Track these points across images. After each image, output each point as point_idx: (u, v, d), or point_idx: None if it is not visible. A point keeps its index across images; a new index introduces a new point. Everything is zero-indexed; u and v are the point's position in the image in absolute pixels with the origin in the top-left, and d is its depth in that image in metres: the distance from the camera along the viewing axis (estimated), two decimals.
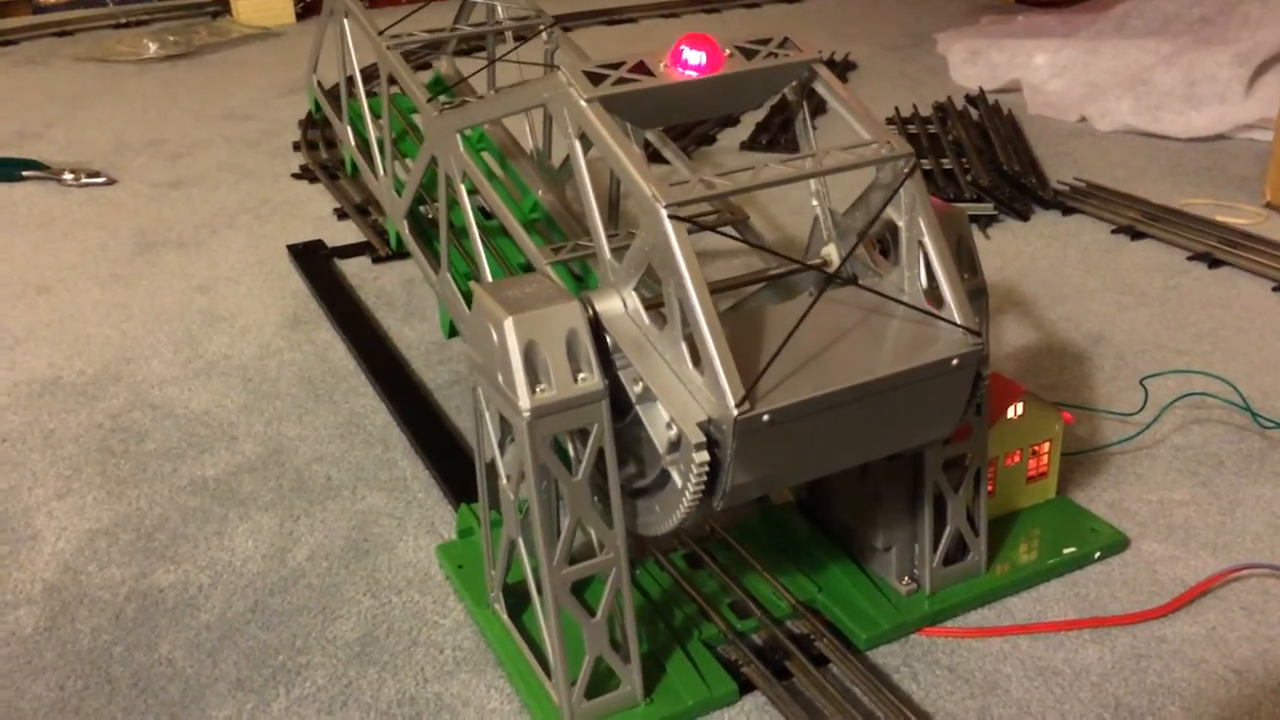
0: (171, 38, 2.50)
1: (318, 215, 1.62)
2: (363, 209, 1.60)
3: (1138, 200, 1.54)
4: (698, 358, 0.65)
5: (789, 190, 1.68)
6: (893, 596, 0.83)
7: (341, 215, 1.60)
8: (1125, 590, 0.85)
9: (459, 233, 1.04)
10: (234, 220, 1.61)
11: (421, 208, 1.20)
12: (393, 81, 1.11)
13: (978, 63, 2.15)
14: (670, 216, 0.63)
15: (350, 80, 1.25)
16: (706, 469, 0.65)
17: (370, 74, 1.27)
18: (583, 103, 0.65)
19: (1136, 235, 1.45)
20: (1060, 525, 0.91)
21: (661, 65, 0.67)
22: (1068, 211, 1.54)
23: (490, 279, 0.94)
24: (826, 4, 2.85)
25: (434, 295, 1.36)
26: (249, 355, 1.24)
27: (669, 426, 0.66)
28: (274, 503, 0.99)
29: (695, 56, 0.66)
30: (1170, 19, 2.16)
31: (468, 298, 1.05)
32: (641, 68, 0.66)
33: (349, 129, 1.29)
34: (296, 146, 1.89)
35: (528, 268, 1.07)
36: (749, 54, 0.69)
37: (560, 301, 0.68)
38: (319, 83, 1.42)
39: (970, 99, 2.02)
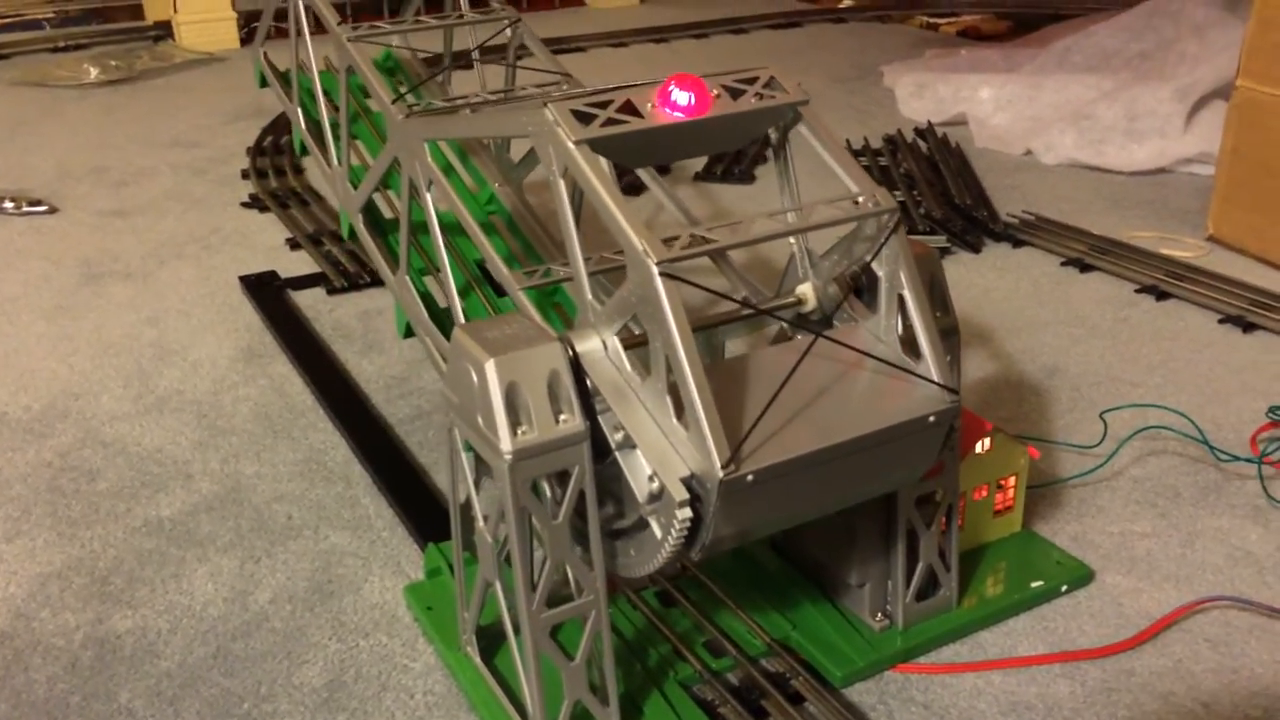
0: (113, 62, 2.46)
1: (269, 245, 1.59)
2: (316, 239, 1.58)
3: (1085, 233, 1.57)
4: (680, 409, 0.65)
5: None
6: (866, 633, 0.83)
7: (294, 245, 1.58)
8: (1092, 623, 0.86)
9: (417, 228, 1.03)
10: (182, 250, 1.58)
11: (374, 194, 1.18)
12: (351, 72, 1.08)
13: (924, 96, 2.19)
14: (662, 274, 0.63)
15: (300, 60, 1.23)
16: (689, 525, 0.65)
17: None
18: (570, 145, 0.65)
19: (1085, 268, 1.48)
20: (1027, 559, 0.92)
21: (649, 105, 0.67)
22: (1018, 244, 1.57)
23: (453, 283, 0.93)
24: (773, 35, 2.88)
25: (391, 328, 1.35)
26: (203, 390, 1.22)
27: (651, 479, 0.66)
28: (233, 543, 0.97)
29: (684, 97, 0.66)
30: (1110, 54, 2.21)
31: (425, 298, 1.03)
32: (629, 106, 0.66)
33: (299, 110, 1.25)
34: (245, 175, 1.86)
35: (482, 266, 1.06)
36: (735, 93, 0.70)
37: (541, 343, 0.67)
38: (266, 55, 1.38)
39: (919, 131, 2.05)
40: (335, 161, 1.16)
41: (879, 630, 0.83)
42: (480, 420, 0.67)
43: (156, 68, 2.52)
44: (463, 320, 0.92)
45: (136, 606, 0.89)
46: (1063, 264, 1.50)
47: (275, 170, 1.86)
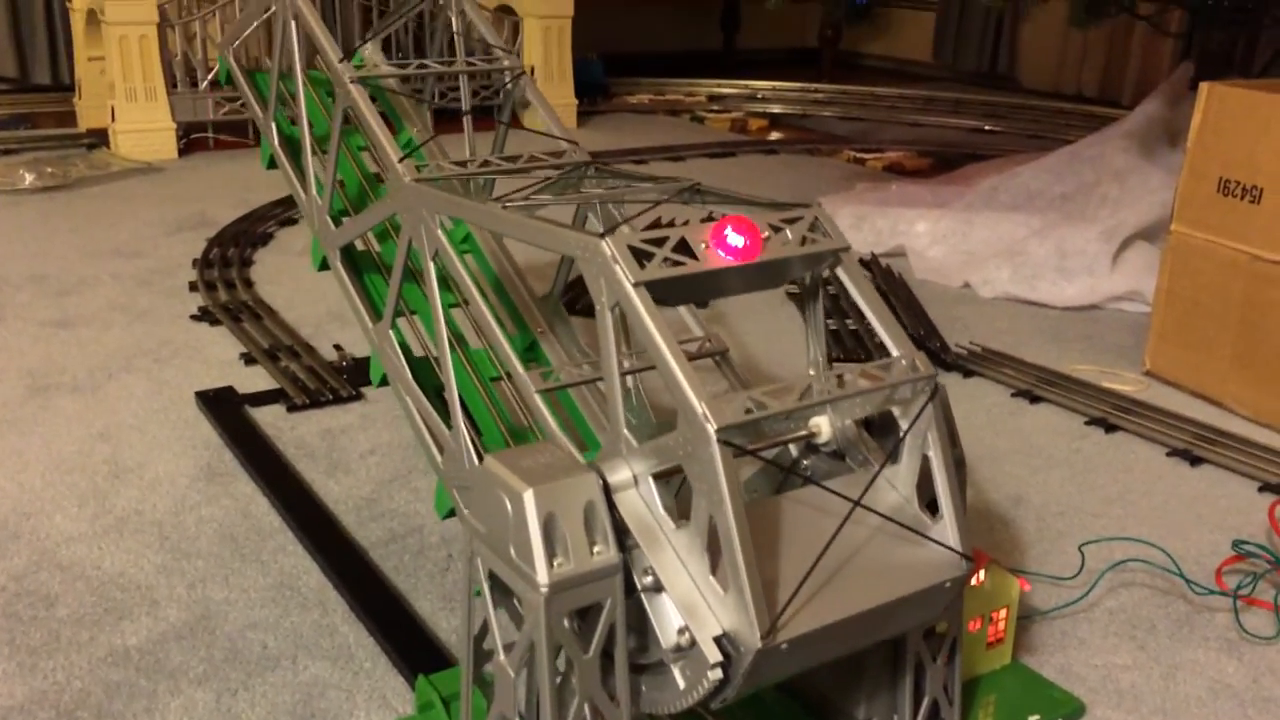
0: (49, 169, 2.42)
1: (223, 359, 1.56)
2: (272, 354, 1.56)
3: (1031, 365, 1.63)
4: (715, 564, 0.66)
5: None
6: None
7: (249, 360, 1.55)
8: None
9: (409, 275, 1.00)
10: (131, 363, 1.54)
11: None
12: (347, 119, 1.04)
13: (863, 228, 2.27)
14: (721, 441, 0.63)
15: (279, 70, 1.17)
16: (718, 684, 0.65)
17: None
18: (629, 286, 0.65)
19: (1035, 399, 1.53)
20: (1020, 692, 0.92)
21: (702, 245, 0.68)
22: (968, 374, 1.62)
23: (449, 362, 0.90)
24: (710, 164, 2.96)
25: (359, 448, 1.32)
26: (163, 510, 1.18)
27: (681, 632, 0.66)
28: (207, 675, 0.92)
29: (738, 240, 0.67)
30: (1034, 194, 2.33)
31: (407, 352, 1.01)
32: (682, 244, 0.68)
33: (273, 126, 1.20)
34: (193, 287, 1.83)
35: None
36: (778, 229, 0.71)
37: (578, 473, 0.67)
38: (234, 56, 1.31)
39: (864, 262, 2.12)
40: (314, 191, 1.10)
41: None
42: (513, 551, 0.66)
43: (93, 176, 2.49)
44: (460, 423, 0.89)
45: None
46: (1013, 395, 1.55)
47: (225, 283, 1.84)
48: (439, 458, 0.96)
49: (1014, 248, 2.05)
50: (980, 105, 3.87)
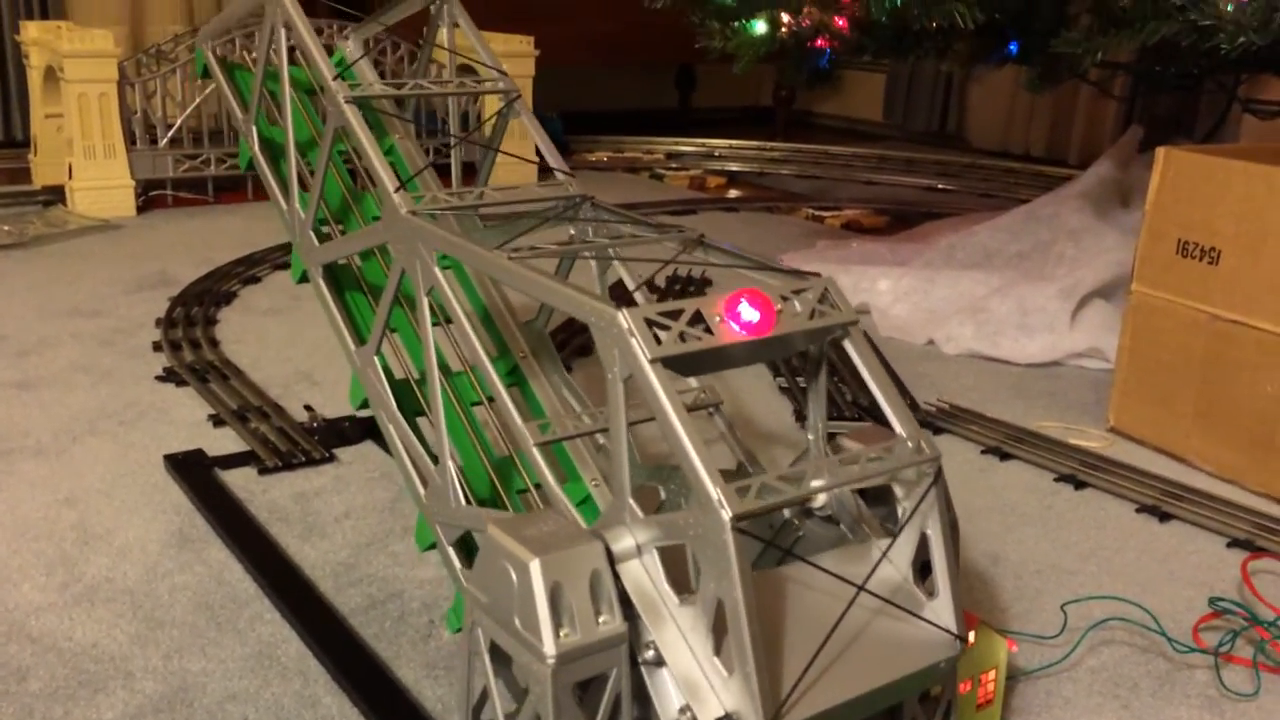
0: (4, 227, 2.38)
1: (190, 421, 1.54)
2: (241, 415, 1.54)
3: (999, 422, 1.65)
4: (719, 644, 0.66)
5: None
6: None
7: (218, 422, 1.53)
8: None
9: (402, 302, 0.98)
10: (95, 426, 1.51)
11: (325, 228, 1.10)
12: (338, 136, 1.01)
13: None
14: (735, 529, 0.63)
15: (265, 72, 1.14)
16: None
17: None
18: (645, 362, 0.65)
19: (1005, 456, 1.55)
20: None
21: (716, 319, 0.68)
22: (938, 431, 1.63)
23: (439, 404, 0.89)
24: (672, 221, 2.98)
25: (333, 511, 1.31)
26: (134, 578, 1.15)
27: (683, 711, 0.66)
28: None
29: (753, 314, 0.68)
30: (991, 253, 2.38)
31: (387, 374, 0.99)
32: (697, 317, 0.68)
33: (254, 129, 1.16)
34: (157, 347, 1.81)
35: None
36: (788, 299, 0.72)
37: (583, 542, 0.67)
38: (214, 48, 1.26)
39: None
40: (297, 204, 1.08)
41: None
42: (518, 621, 0.66)
43: (50, 233, 2.46)
44: (448, 461, 0.88)
45: None
46: (983, 452, 1.56)
47: (190, 343, 1.82)
48: (422, 491, 0.95)
49: (976, 305, 2.08)
50: (932, 164, 3.95)
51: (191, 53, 2.82)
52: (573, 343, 1.85)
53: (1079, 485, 1.47)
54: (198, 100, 2.80)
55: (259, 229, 2.57)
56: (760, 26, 1.87)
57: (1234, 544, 1.32)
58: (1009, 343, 2.00)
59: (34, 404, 1.58)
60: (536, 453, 0.80)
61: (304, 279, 1.10)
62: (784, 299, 0.72)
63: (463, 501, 0.89)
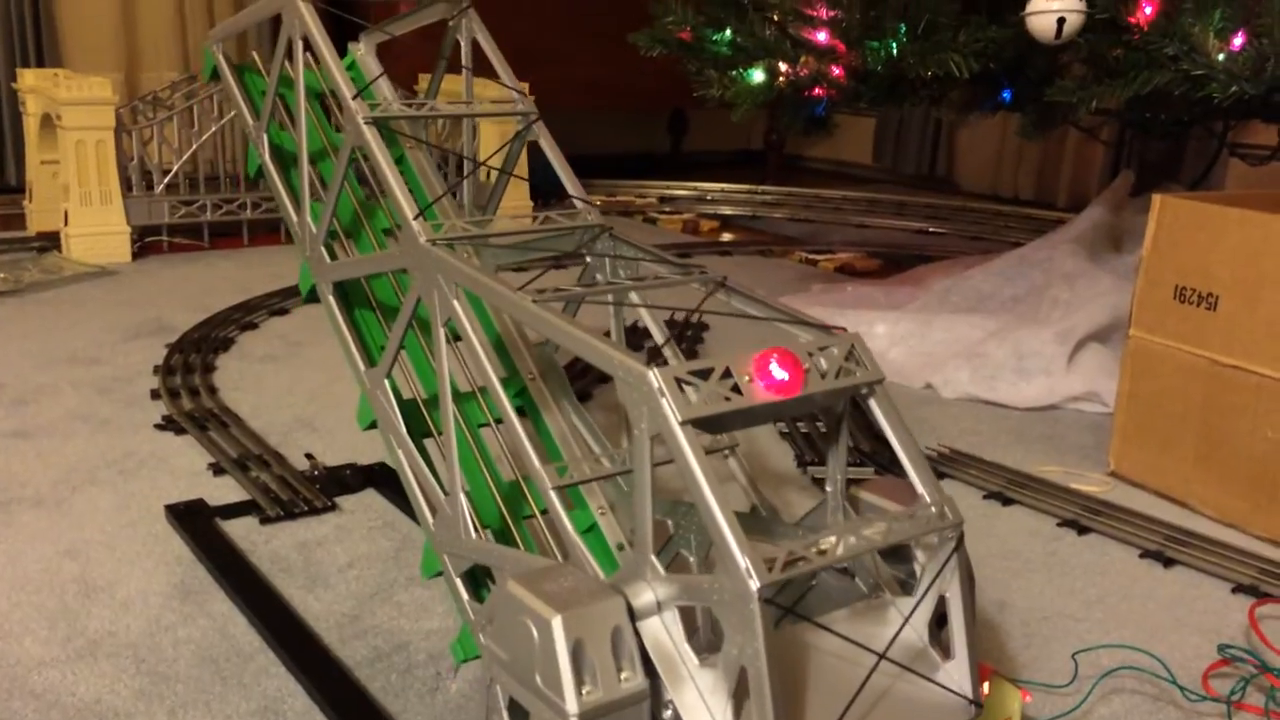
0: (0, 274, 2.38)
1: (191, 470, 1.53)
2: (241, 464, 1.53)
3: (1000, 467, 1.65)
4: (738, 708, 0.65)
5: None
6: None
7: (218, 470, 1.52)
8: None
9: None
10: (95, 475, 1.50)
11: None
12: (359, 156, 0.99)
13: None
14: (762, 600, 0.63)
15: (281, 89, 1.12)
16: None
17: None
18: (675, 423, 0.65)
19: (1007, 501, 1.55)
20: None
21: (746, 377, 0.68)
22: (940, 476, 1.63)
23: (454, 439, 0.88)
24: None
25: (336, 560, 1.30)
26: (137, 631, 1.14)
27: None
28: None
29: (781, 374, 0.68)
30: (985, 297, 2.39)
31: (396, 394, 0.99)
32: (725, 374, 0.68)
33: (265, 137, 1.14)
34: (155, 395, 1.80)
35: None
36: (813, 355, 0.72)
37: (605, 597, 0.66)
38: (220, 49, 1.23)
39: None
40: (308, 217, 1.06)
41: None
42: (539, 679, 0.65)
43: (45, 280, 2.45)
44: (459, 492, 0.88)
45: None
46: (984, 497, 1.57)
47: (189, 390, 1.81)
48: (430, 518, 0.94)
49: (972, 349, 2.09)
50: (922, 207, 3.98)
51: (187, 100, 2.83)
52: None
53: (1082, 530, 1.47)
54: (194, 147, 2.81)
55: (255, 275, 2.57)
56: (758, 75, 1.89)
57: (1239, 589, 1.32)
58: (1006, 386, 2.01)
59: (32, 453, 1.57)
60: (555, 499, 0.79)
61: (312, 292, 1.09)
62: (810, 355, 0.72)
63: (473, 534, 0.88)
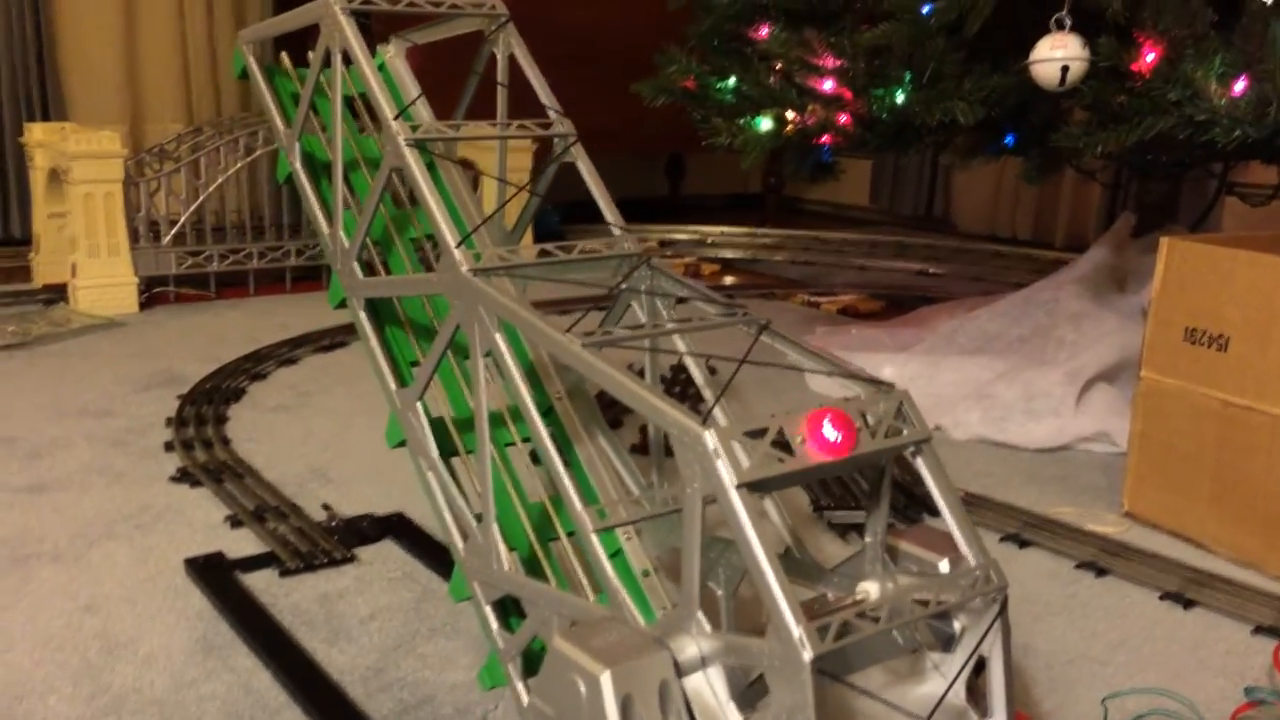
0: (9, 327, 2.39)
1: (208, 523, 1.53)
2: (259, 515, 1.53)
3: (1015, 509, 1.66)
4: None
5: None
6: None
7: (235, 523, 1.52)
8: None
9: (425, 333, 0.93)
10: (113, 529, 1.50)
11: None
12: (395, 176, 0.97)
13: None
14: (816, 670, 0.63)
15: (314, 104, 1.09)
16: None
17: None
18: (730, 485, 0.66)
19: (1023, 543, 1.55)
20: None
21: (798, 438, 0.69)
22: (940, 510, 1.64)
23: (489, 471, 0.87)
24: None
25: (358, 613, 1.29)
26: (162, 688, 1.13)
27: None
28: None
29: (835, 435, 0.69)
30: (992, 338, 2.40)
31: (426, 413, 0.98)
32: (780, 435, 0.69)
33: (297, 145, 1.12)
34: (169, 446, 1.80)
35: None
36: (861, 412, 0.73)
37: (652, 652, 0.67)
38: (249, 49, 1.19)
39: None
40: (341, 230, 1.05)
41: None
42: None
43: (54, 333, 2.46)
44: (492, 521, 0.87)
45: None
46: (1001, 539, 1.57)
47: (202, 442, 1.81)
48: (460, 545, 0.94)
49: (982, 390, 2.10)
50: (922, 248, 4.01)
51: (193, 152, 2.86)
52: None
53: (1100, 572, 1.47)
54: (201, 199, 2.83)
55: (262, 324, 2.58)
56: (766, 123, 1.92)
57: (1260, 630, 1.32)
58: (1016, 427, 2.02)
59: (48, 508, 1.57)
60: (595, 542, 0.79)
61: (341, 305, 1.08)
62: (861, 413, 0.73)
63: (505, 565, 0.88)
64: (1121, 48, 1.68)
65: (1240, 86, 1.58)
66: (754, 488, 0.67)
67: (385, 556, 1.45)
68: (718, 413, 0.83)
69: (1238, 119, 1.57)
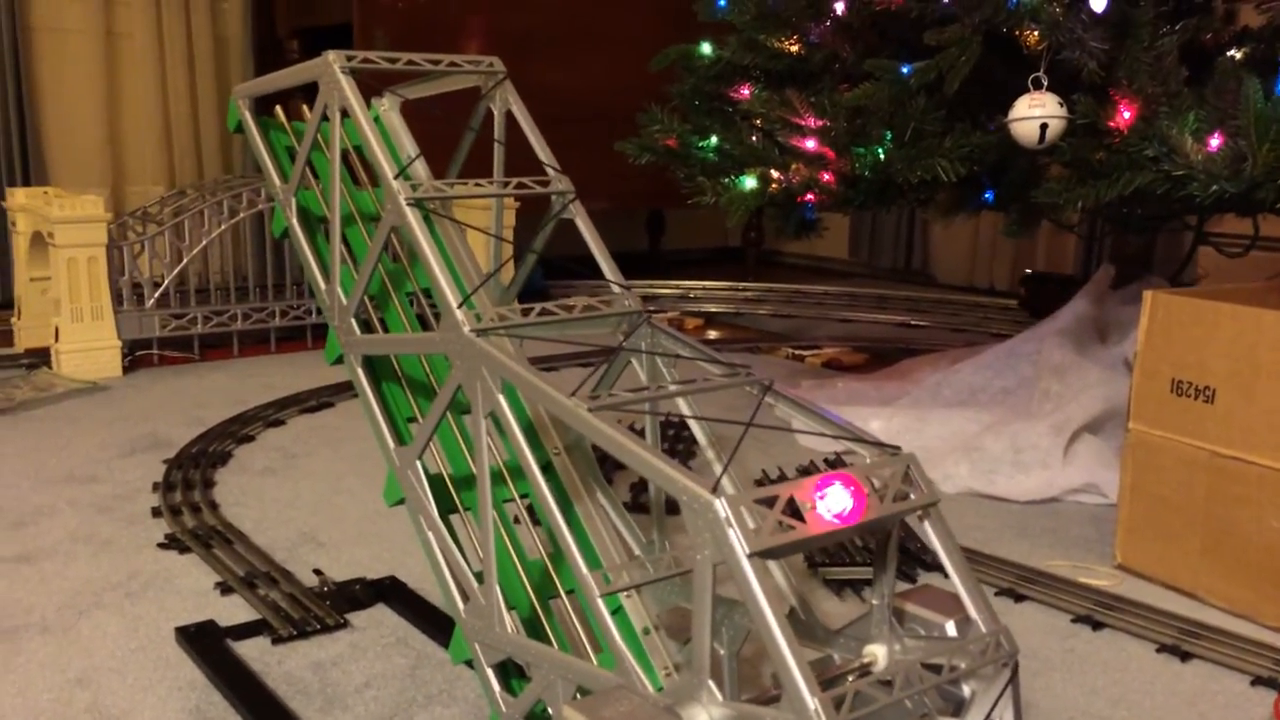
0: None
1: (197, 590, 1.51)
2: (249, 581, 1.51)
3: (1008, 563, 1.66)
4: None
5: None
6: None
7: (225, 590, 1.50)
8: None
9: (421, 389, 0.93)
10: (101, 599, 1.48)
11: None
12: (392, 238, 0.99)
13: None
14: None
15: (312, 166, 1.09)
16: None
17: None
18: (742, 555, 0.66)
19: (1019, 598, 1.55)
20: None
21: (808, 505, 0.69)
22: (948, 575, 1.64)
23: (491, 537, 0.87)
24: None
25: (353, 682, 1.28)
26: None
27: None
28: None
29: (846, 503, 0.69)
30: (977, 390, 2.42)
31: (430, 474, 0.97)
32: (790, 502, 0.69)
33: (293, 200, 1.12)
34: (156, 512, 1.78)
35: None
36: (869, 477, 0.73)
37: None
38: (245, 103, 1.20)
39: (828, 461, 2.16)
40: (338, 286, 1.05)
41: None
42: None
43: (37, 398, 2.44)
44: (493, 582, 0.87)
45: None
46: (996, 594, 1.57)
47: (189, 507, 1.80)
48: (460, 605, 0.94)
49: (969, 443, 2.11)
50: (902, 300, 4.04)
51: (177, 215, 2.86)
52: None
53: (1096, 626, 1.47)
54: (184, 261, 2.82)
55: (247, 386, 2.57)
56: (750, 182, 1.94)
57: (1257, 682, 1.32)
58: (1005, 480, 2.02)
59: (35, 578, 1.54)
60: (601, 606, 0.79)
61: (338, 361, 1.08)
62: (869, 478, 0.73)
63: (508, 627, 0.88)
64: (1098, 105, 1.71)
65: (1215, 142, 1.62)
66: (763, 555, 0.67)
67: (379, 621, 1.44)
68: (724, 479, 0.84)
69: (1214, 174, 1.60)
